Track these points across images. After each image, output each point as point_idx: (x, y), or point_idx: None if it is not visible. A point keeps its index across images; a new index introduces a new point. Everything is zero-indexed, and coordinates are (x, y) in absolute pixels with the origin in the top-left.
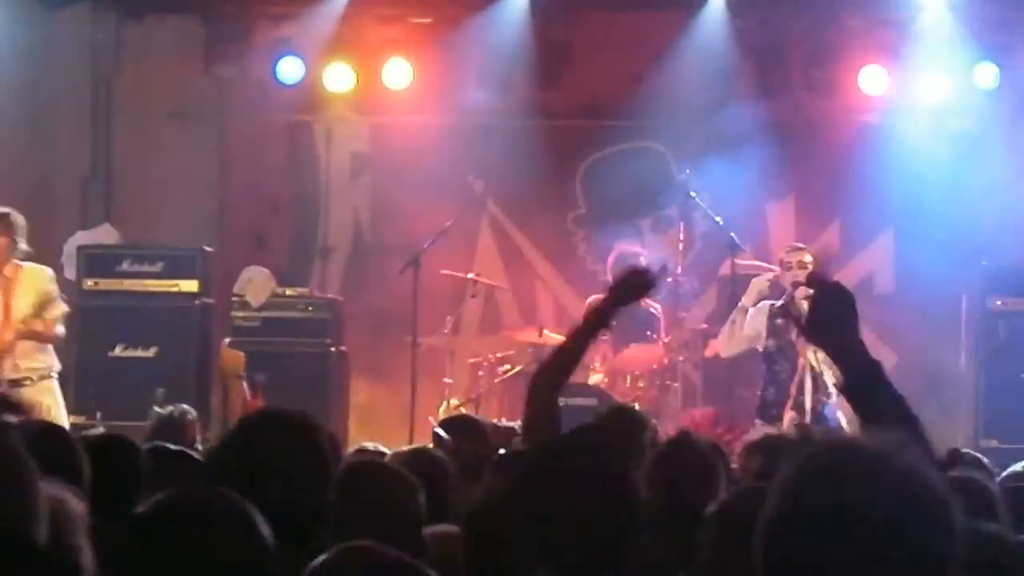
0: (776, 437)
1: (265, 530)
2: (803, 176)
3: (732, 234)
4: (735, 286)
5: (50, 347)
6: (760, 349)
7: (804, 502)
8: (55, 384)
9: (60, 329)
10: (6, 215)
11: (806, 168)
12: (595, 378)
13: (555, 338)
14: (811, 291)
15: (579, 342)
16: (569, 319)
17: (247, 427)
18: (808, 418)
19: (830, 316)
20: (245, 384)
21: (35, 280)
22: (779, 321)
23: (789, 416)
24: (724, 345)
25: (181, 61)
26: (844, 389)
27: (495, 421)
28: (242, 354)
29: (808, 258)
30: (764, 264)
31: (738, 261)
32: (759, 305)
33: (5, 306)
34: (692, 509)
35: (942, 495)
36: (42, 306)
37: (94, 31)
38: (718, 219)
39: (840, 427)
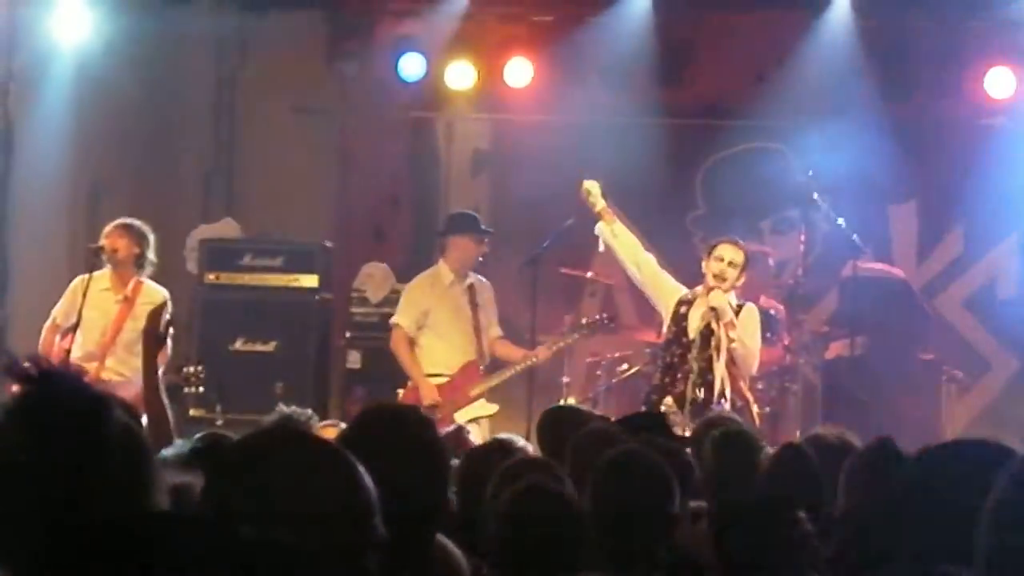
0: None
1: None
2: (926, 179)
3: (854, 236)
4: (857, 288)
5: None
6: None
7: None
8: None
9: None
10: (130, 227)
11: (929, 171)
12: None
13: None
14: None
15: None
16: None
17: (361, 422)
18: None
19: None
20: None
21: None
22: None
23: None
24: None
25: (304, 56)
26: None
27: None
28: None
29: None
30: (886, 266)
31: (860, 264)
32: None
33: (116, 329)
34: None
35: None
36: None
37: (217, 25)
38: (840, 221)
39: None
